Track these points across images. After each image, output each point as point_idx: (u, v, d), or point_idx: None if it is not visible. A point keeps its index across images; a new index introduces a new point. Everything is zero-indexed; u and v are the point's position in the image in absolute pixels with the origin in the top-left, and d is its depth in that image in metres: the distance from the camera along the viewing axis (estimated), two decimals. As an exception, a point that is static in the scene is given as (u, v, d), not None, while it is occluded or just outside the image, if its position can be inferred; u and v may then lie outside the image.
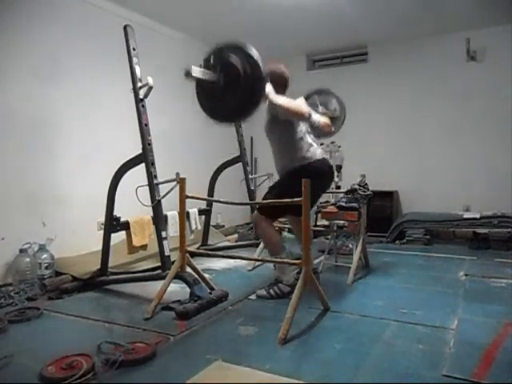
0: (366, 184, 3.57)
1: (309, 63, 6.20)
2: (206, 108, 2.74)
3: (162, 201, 3.07)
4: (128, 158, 3.11)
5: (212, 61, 2.48)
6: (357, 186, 3.52)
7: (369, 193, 3.53)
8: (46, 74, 3.52)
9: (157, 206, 3.03)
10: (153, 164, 3.05)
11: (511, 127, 4.87)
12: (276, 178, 3.36)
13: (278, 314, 2.49)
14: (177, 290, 3.00)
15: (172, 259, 2.98)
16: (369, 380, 1.83)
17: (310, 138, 3.08)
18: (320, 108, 3.73)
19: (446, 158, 5.29)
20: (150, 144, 3.05)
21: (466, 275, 3.47)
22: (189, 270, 2.92)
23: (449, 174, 5.25)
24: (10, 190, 3.27)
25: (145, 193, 3.03)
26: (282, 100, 2.85)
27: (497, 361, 1.97)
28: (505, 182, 4.82)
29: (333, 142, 5.47)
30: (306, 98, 3.75)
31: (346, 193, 3.58)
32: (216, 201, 3.32)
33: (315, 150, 3.05)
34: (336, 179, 5.33)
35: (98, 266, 3.25)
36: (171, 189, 2.99)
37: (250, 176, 4.58)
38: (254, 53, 2.49)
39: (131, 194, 2.97)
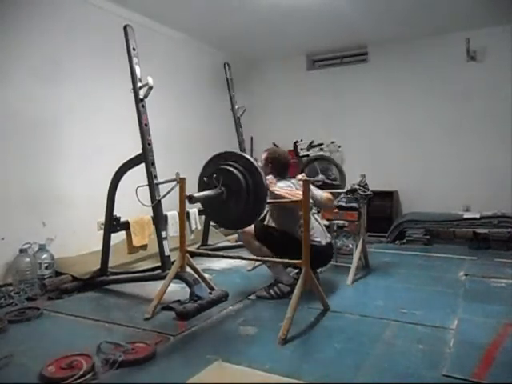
0: (366, 184, 3.58)
1: (309, 63, 6.20)
2: (214, 218, 2.85)
3: (162, 201, 3.07)
4: (128, 158, 3.11)
5: (214, 176, 2.49)
6: (357, 186, 3.52)
7: (369, 193, 3.53)
8: (46, 75, 3.52)
9: (157, 206, 3.03)
10: (153, 164, 3.05)
11: (511, 127, 4.87)
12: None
13: (278, 314, 2.49)
14: (177, 289, 3.00)
15: (172, 259, 2.98)
16: (369, 380, 1.83)
17: (314, 222, 3.05)
18: (320, 176, 3.84)
19: (446, 157, 5.29)
20: (149, 144, 3.05)
21: (466, 275, 3.47)
22: (189, 269, 2.92)
23: (449, 174, 5.25)
24: (10, 190, 3.27)
25: (145, 193, 3.03)
26: (283, 192, 2.87)
27: (497, 361, 1.97)
28: (505, 182, 4.82)
29: (333, 142, 5.50)
30: (306, 165, 3.93)
31: (346, 193, 3.57)
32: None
33: (316, 235, 3.00)
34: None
35: (98, 266, 3.25)
36: (171, 189, 2.99)
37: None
38: (253, 161, 2.51)
39: (131, 194, 2.97)
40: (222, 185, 2.48)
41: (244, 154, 2.59)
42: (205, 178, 2.56)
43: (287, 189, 2.96)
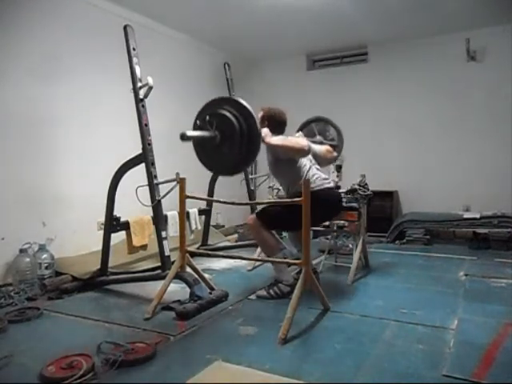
0: (366, 184, 3.58)
1: (309, 63, 6.19)
2: (207, 165, 2.77)
3: (162, 201, 3.07)
4: (128, 158, 3.11)
5: (208, 118, 2.48)
6: (357, 186, 3.52)
7: (369, 193, 3.53)
8: (45, 74, 3.52)
9: (157, 206, 3.03)
10: (153, 164, 3.05)
11: (511, 127, 4.87)
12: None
13: (278, 314, 2.49)
14: (177, 289, 3.00)
15: (172, 259, 2.98)
16: (369, 380, 1.83)
17: (315, 170, 3.09)
18: (318, 137, 3.80)
19: (446, 158, 5.29)
20: (149, 144, 3.05)
21: (466, 275, 3.47)
22: (189, 269, 2.92)
23: (449, 174, 5.25)
24: (10, 189, 3.27)
25: (145, 193, 3.03)
26: (279, 141, 2.88)
27: (497, 361, 1.97)
28: (505, 181, 4.82)
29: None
30: (304, 126, 3.91)
31: (346, 193, 3.57)
32: (216, 201, 3.32)
33: (320, 180, 3.04)
34: (336, 179, 5.36)
35: (98, 266, 3.25)
36: (171, 189, 2.99)
37: (250, 176, 4.59)
38: (248, 106, 2.49)
39: (131, 194, 2.97)
40: (216, 129, 2.46)
41: (238, 99, 2.54)
42: (198, 121, 2.52)
43: (283, 138, 2.94)
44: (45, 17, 3.53)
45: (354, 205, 3.48)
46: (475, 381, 1.78)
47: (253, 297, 3.00)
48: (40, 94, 3.49)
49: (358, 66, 5.81)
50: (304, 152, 2.93)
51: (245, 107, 2.48)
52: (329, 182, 3.13)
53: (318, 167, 3.18)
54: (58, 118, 3.63)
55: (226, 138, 2.47)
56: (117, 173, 3.17)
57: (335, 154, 3.43)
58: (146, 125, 3.06)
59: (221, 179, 4.32)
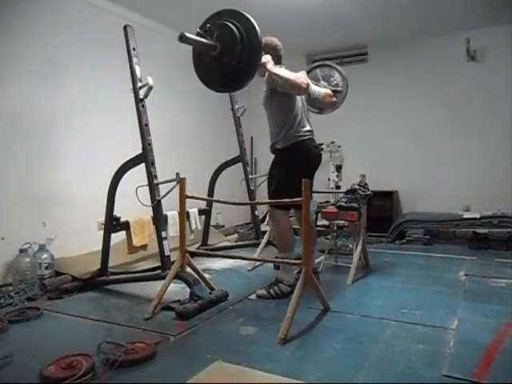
0: (366, 184, 3.58)
1: (309, 63, 6.17)
2: (205, 78, 2.67)
3: (162, 201, 3.07)
4: (128, 158, 3.11)
5: (208, 27, 2.43)
6: (357, 186, 3.52)
7: (369, 193, 3.53)
8: (45, 75, 3.51)
9: (157, 206, 3.03)
10: (153, 164, 3.05)
11: (511, 127, 4.87)
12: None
13: (278, 314, 2.49)
14: (177, 289, 3.00)
15: (172, 259, 2.98)
16: (369, 380, 1.83)
17: (303, 117, 3.05)
18: (322, 82, 3.71)
19: (446, 158, 5.29)
20: (149, 144, 3.05)
21: (466, 275, 3.47)
22: (189, 269, 2.92)
23: (449, 174, 5.26)
24: (10, 190, 3.27)
25: (145, 193, 3.03)
26: (280, 70, 2.84)
27: (497, 361, 1.97)
28: (505, 181, 4.82)
29: (333, 142, 5.50)
30: (308, 72, 3.71)
31: (346, 193, 3.58)
32: (216, 201, 3.32)
33: (305, 130, 3.03)
34: (336, 179, 5.37)
35: (98, 266, 3.25)
36: (171, 189, 2.99)
37: (250, 176, 4.59)
38: (251, 18, 2.45)
39: (131, 193, 2.98)
40: (217, 40, 2.42)
41: (242, 12, 2.46)
42: (199, 30, 2.46)
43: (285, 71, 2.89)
44: (45, 18, 3.53)
45: (354, 205, 3.48)
46: (475, 381, 1.78)
47: (253, 297, 3.00)
48: (40, 95, 3.49)
49: (358, 65, 5.82)
50: (302, 89, 2.83)
51: (248, 19, 2.42)
52: (311, 135, 3.09)
53: (308, 116, 3.15)
54: (58, 119, 3.63)
55: (227, 49, 2.41)
56: (117, 173, 3.17)
57: (335, 99, 3.37)
58: (146, 125, 3.06)
59: (221, 179, 4.32)
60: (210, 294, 2.83)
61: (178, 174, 2.93)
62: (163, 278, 2.82)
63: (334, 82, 3.80)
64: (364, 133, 5.71)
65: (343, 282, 3.30)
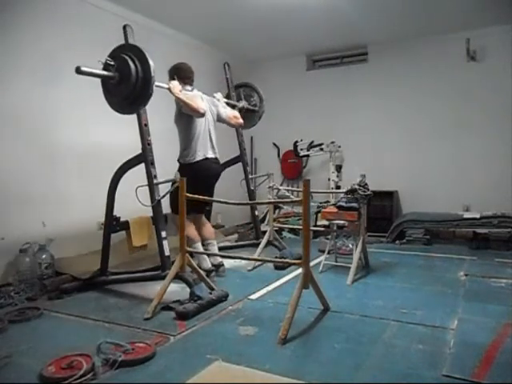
0: (366, 184, 3.57)
1: (309, 63, 6.20)
2: (108, 102, 2.97)
3: (162, 201, 3.07)
4: (128, 158, 3.11)
5: (108, 60, 2.76)
6: (357, 186, 3.52)
7: (369, 193, 3.53)
8: (45, 76, 3.50)
9: (156, 205, 3.03)
10: (152, 164, 3.05)
11: (511, 127, 4.87)
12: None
13: (278, 313, 2.50)
14: (177, 290, 3.00)
15: (172, 259, 2.98)
16: (369, 380, 1.83)
17: (204, 139, 3.47)
18: (243, 102, 4.37)
19: (445, 158, 5.29)
20: (149, 144, 3.05)
21: (466, 275, 3.47)
22: (189, 270, 2.92)
23: (449, 174, 5.25)
24: (10, 190, 3.27)
25: (145, 193, 3.03)
26: (183, 96, 3.24)
27: (497, 361, 1.97)
28: (505, 181, 4.82)
29: (333, 142, 5.50)
30: (235, 89, 4.43)
31: (346, 193, 3.57)
32: (216, 201, 3.31)
33: (200, 152, 3.43)
34: (336, 179, 5.38)
35: (98, 266, 3.25)
36: (171, 189, 2.99)
37: (250, 176, 4.59)
38: (145, 52, 2.75)
39: (131, 193, 2.97)
40: (117, 71, 2.74)
41: (139, 46, 2.78)
42: (101, 61, 2.77)
43: (189, 95, 3.32)
44: (44, 18, 3.52)
45: (354, 205, 3.48)
46: (475, 381, 1.79)
47: (253, 297, 3.00)
48: (40, 96, 3.48)
49: (358, 65, 5.82)
50: (198, 113, 3.30)
51: (142, 53, 2.72)
52: (209, 153, 3.50)
53: (212, 136, 3.55)
54: (58, 119, 3.63)
55: (124, 79, 2.72)
56: (116, 173, 3.17)
57: (240, 121, 3.85)
58: (146, 125, 3.07)
59: (221, 179, 4.31)
60: (210, 294, 2.83)
61: (177, 173, 2.93)
62: (163, 278, 2.82)
63: (253, 102, 4.45)
64: (364, 133, 5.71)
65: (343, 281, 3.30)
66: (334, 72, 5.96)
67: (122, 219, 3.22)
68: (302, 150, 5.63)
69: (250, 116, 4.44)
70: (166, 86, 3.20)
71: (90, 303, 2.96)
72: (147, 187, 3.03)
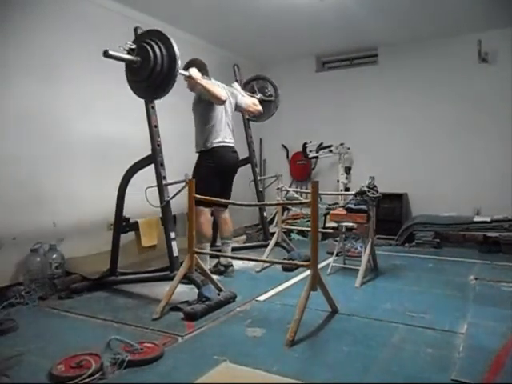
0: (376, 186, 3.56)
1: (318, 65, 6.19)
2: (132, 86, 2.96)
3: (171, 201, 3.08)
4: (138, 159, 3.13)
5: (132, 45, 2.82)
6: (366, 188, 3.50)
7: (378, 195, 3.51)
8: (56, 74, 3.54)
9: (166, 206, 3.05)
10: (162, 165, 3.07)
11: (523, 129, 4.82)
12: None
13: (286, 315, 2.49)
14: (185, 290, 3.01)
15: (180, 260, 3.00)
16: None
17: (222, 126, 3.57)
18: (259, 94, 4.39)
19: (456, 160, 5.24)
20: (159, 145, 3.08)
21: (476, 279, 3.44)
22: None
23: (459, 177, 5.21)
24: (21, 190, 3.30)
25: (154, 193, 3.04)
26: (203, 81, 3.35)
27: (506, 366, 1.95)
28: (516, 185, 4.77)
29: (342, 144, 5.49)
30: (246, 84, 4.47)
31: (355, 195, 3.56)
32: (225, 202, 3.33)
33: (219, 138, 3.55)
34: (345, 181, 5.36)
35: (108, 266, 3.27)
36: (180, 190, 3.01)
37: (259, 177, 4.60)
38: (172, 39, 2.76)
39: (141, 194, 2.99)
40: (139, 55, 2.77)
41: (165, 34, 2.78)
42: (128, 45, 2.82)
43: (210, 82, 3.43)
44: (46, 18, 3.50)
45: (363, 207, 3.46)
46: (484, 386, 1.77)
47: (261, 298, 3.00)
48: (52, 95, 3.51)
49: (368, 67, 5.79)
50: (219, 100, 3.41)
51: (168, 39, 2.74)
52: (228, 142, 3.64)
53: (230, 125, 3.68)
54: (70, 120, 3.65)
55: (146, 64, 2.75)
56: (126, 174, 3.20)
57: (260, 107, 3.98)
58: (156, 126, 3.09)
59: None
60: (218, 295, 2.84)
61: (186, 174, 2.95)
62: (171, 278, 2.83)
63: (268, 93, 4.49)
64: (373, 135, 5.68)
65: (351, 284, 3.29)
66: (344, 74, 5.94)
67: (131, 220, 3.24)
68: (310, 151, 5.62)
69: (267, 106, 4.43)
70: (187, 73, 3.29)
71: (99, 303, 2.99)
72: (156, 188, 3.06)
